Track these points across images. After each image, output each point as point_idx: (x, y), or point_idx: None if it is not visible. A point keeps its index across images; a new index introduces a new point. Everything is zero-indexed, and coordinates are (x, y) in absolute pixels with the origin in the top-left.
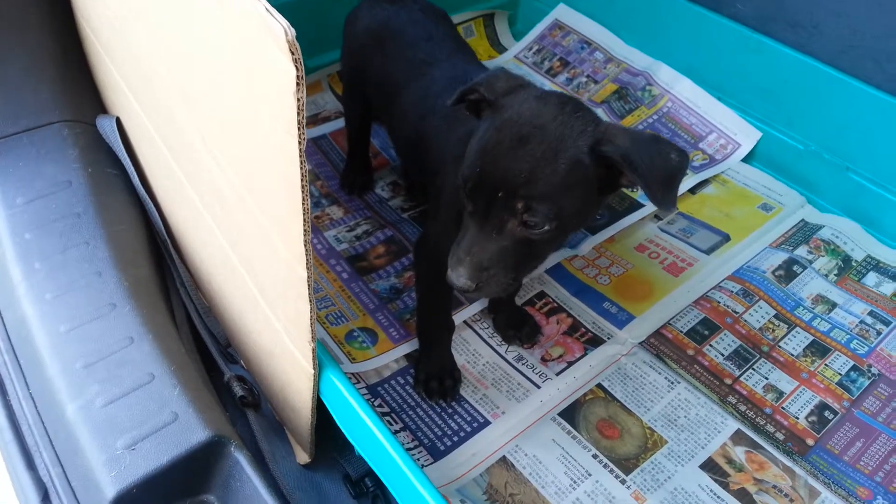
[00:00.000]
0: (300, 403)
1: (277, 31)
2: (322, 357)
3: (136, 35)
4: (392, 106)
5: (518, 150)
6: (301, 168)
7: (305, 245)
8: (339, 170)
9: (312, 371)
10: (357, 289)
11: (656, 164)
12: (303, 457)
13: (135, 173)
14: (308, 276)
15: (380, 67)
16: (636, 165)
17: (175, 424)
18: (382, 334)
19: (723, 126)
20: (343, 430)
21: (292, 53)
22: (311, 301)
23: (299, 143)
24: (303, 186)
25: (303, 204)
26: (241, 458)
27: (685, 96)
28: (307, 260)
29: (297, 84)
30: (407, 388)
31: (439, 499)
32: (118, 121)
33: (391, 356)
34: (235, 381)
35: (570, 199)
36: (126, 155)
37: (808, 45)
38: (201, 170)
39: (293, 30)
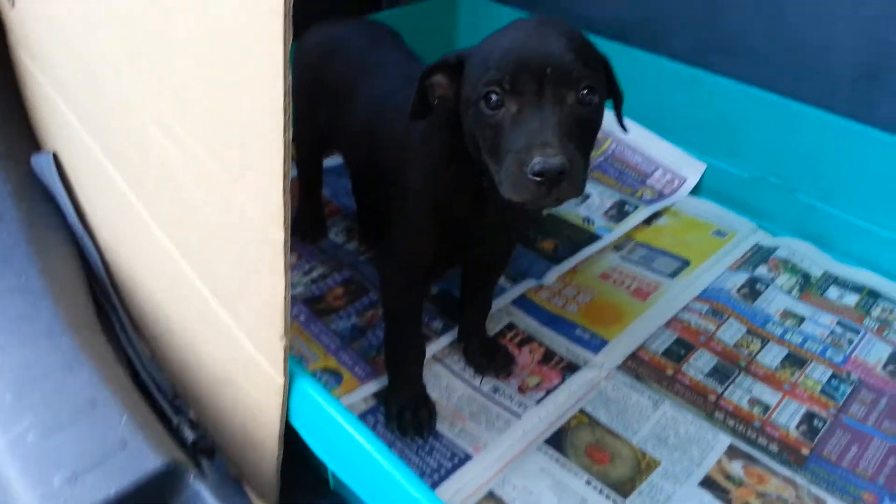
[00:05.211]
0: (264, 431)
1: None
2: (293, 367)
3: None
4: (344, 114)
5: (546, 34)
6: (285, 80)
7: (284, 195)
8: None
9: (282, 380)
10: (316, 330)
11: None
12: None
13: (72, 210)
14: (285, 242)
15: (329, 77)
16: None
17: (123, 453)
18: (347, 373)
19: (667, 162)
20: (319, 454)
21: None
22: (286, 277)
23: (284, 45)
24: (285, 108)
25: (284, 133)
26: (203, 490)
27: (628, 136)
28: (285, 218)
29: None
30: (377, 426)
31: None
32: (54, 156)
33: (358, 395)
34: (186, 425)
35: (599, 73)
36: (63, 191)
37: (745, 72)
38: (151, 163)
39: None
